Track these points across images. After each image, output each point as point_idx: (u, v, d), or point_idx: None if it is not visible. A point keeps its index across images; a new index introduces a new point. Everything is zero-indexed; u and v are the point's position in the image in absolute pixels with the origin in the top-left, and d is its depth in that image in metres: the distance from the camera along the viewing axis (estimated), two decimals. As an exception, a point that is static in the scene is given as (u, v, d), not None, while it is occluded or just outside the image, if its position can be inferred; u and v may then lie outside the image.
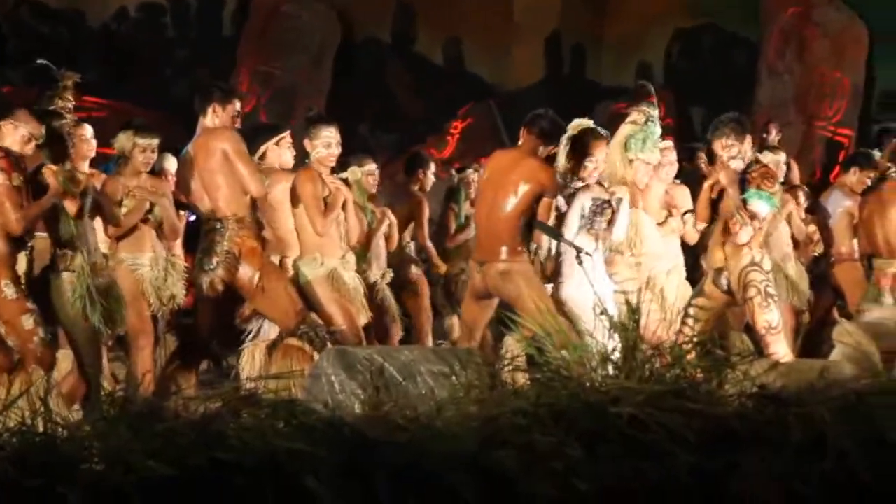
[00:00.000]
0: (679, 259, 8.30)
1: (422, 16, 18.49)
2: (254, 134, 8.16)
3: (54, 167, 7.02)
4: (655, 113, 8.05)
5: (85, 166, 7.98)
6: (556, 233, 7.58)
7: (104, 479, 3.95)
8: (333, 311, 7.80)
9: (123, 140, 8.11)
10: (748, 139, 7.79)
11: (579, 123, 7.84)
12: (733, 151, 7.71)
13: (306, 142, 7.98)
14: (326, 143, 7.96)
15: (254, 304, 7.66)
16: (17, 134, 6.89)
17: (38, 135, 6.93)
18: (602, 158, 7.81)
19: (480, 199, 7.88)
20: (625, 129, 8.03)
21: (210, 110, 7.58)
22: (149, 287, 7.97)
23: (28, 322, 6.82)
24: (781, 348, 7.56)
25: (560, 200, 7.71)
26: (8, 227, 6.80)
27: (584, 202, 7.73)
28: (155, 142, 8.16)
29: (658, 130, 8.07)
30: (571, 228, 7.71)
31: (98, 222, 7.59)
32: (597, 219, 7.73)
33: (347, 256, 7.99)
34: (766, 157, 9.07)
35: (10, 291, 6.80)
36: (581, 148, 7.78)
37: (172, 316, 8.78)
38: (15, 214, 6.79)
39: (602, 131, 7.89)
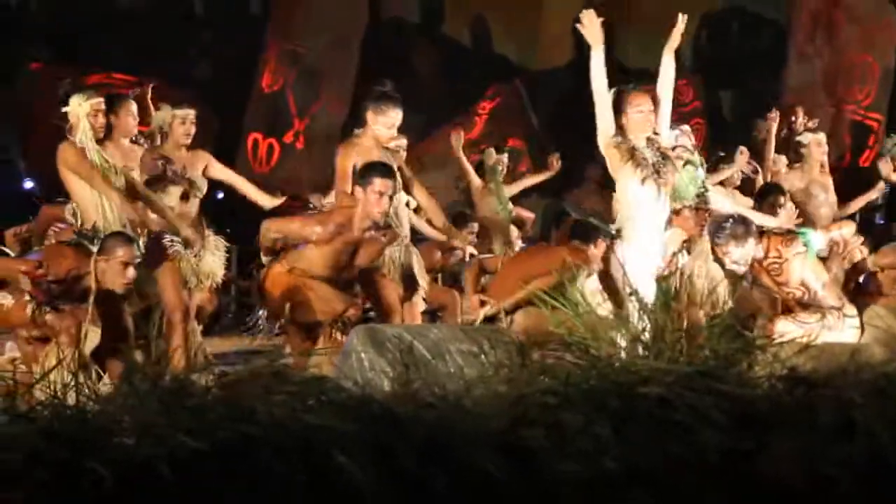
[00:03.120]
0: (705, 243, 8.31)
1: (449, -4, 18.45)
2: None
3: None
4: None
5: (126, 142, 8.00)
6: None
7: (134, 452, 3.96)
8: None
9: (162, 114, 8.13)
10: (750, 241, 7.83)
11: None
12: (735, 256, 7.79)
13: (370, 114, 7.99)
14: (390, 123, 8.01)
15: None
16: (113, 267, 6.92)
17: (131, 262, 6.98)
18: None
19: None
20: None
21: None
22: (186, 264, 7.95)
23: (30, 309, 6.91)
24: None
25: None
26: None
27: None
28: (192, 113, 8.16)
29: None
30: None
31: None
32: None
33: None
34: (807, 138, 9.09)
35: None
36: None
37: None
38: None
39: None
